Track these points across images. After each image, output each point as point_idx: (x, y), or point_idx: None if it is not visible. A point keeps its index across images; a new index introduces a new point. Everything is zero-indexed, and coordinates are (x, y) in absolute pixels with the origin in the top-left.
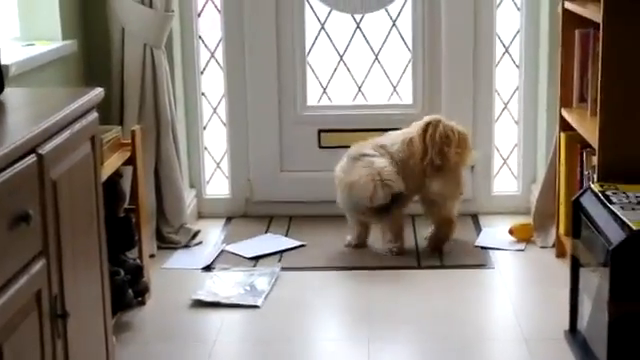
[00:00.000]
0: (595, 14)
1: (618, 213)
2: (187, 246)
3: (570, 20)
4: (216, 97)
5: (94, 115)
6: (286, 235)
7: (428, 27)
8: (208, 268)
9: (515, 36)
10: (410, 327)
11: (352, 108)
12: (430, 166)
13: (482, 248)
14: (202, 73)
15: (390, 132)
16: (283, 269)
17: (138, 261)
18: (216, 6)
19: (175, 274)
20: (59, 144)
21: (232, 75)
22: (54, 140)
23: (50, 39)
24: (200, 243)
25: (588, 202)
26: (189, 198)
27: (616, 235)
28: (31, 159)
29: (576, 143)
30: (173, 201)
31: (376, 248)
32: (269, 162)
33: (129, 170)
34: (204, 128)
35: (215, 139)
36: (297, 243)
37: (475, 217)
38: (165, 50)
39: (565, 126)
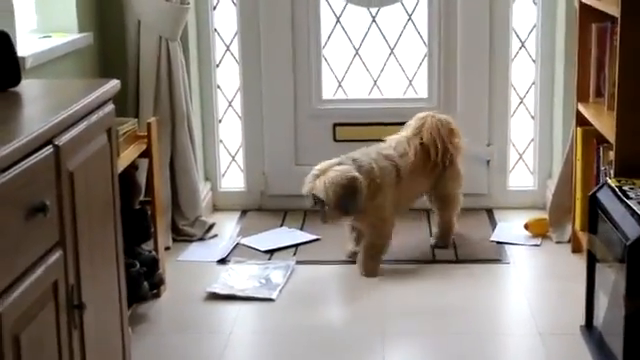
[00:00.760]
0: (612, 8)
1: (635, 208)
2: (202, 239)
3: (587, 14)
4: (231, 90)
5: (110, 107)
6: (301, 229)
7: (444, 21)
8: (223, 261)
9: (531, 30)
10: (425, 321)
11: (367, 102)
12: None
13: (497, 243)
14: (218, 66)
15: (387, 139)
16: (298, 262)
17: (154, 253)
18: None
19: (190, 267)
20: (76, 135)
21: (247, 68)
22: (71, 131)
23: (66, 31)
24: (215, 236)
25: (605, 197)
26: (204, 191)
27: (633, 230)
28: (48, 150)
29: (593, 138)
30: (188, 194)
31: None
32: (284, 155)
33: (145, 162)
34: (219, 121)
35: (230, 132)
36: (312, 237)
37: (490, 212)
38: (181, 43)
39: (581, 121)
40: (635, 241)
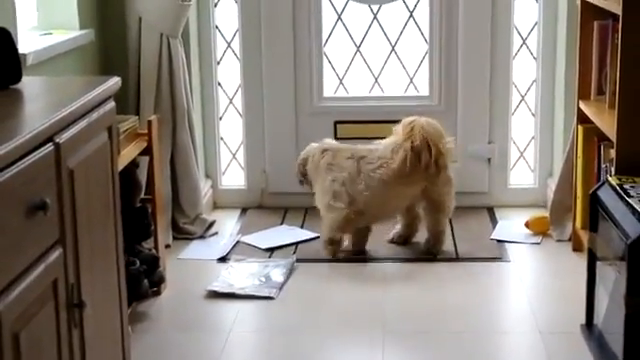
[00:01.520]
0: (614, 5)
1: (636, 206)
2: (203, 237)
3: (589, 12)
4: (232, 87)
5: (111, 104)
6: (301, 227)
7: (445, 18)
8: (223, 259)
9: (533, 28)
10: (425, 319)
11: (368, 99)
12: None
13: (498, 241)
14: (218, 63)
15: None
16: (298, 260)
17: (154, 251)
18: None
19: (190, 265)
20: (76, 133)
21: (248, 65)
22: (71, 129)
23: (67, 28)
24: (216, 234)
25: (605, 195)
26: (205, 188)
27: (634, 229)
28: (48, 148)
29: (594, 136)
30: (189, 191)
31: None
32: (285, 153)
33: (145, 160)
34: (220, 118)
35: (231, 129)
36: (312, 235)
37: (491, 210)
38: (182, 40)
39: (583, 119)
40: (636, 240)
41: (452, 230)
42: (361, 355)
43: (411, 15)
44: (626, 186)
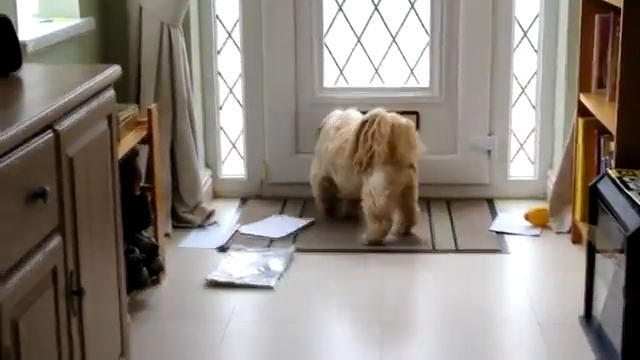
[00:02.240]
0: None
1: (635, 199)
2: (202, 226)
3: (590, 5)
4: (233, 77)
5: (111, 93)
6: (300, 216)
7: (446, 10)
8: (223, 248)
9: (534, 20)
10: (424, 311)
11: (369, 90)
12: (359, 164)
13: (497, 233)
14: (219, 53)
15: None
16: (297, 250)
17: (153, 240)
18: None
19: (190, 254)
20: (76, 121)
21: (249, 55)
22: (71, 117)
23: (68, 16)
24: (215, 223)
25: (605, 188)
26: (204, 178)
27: (633, 221)
28: (48, 135)
29: (594, 129)
30: (189, 181)
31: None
32: (285, 143)
33: (145, 149)
34: (220, 108)
35: (231, 119)
36: (307, 221)
37: (491, 202)
38: (182, 29)
39: (583, 111)
40: (635, 232)
41: (452, 222)
42: (360, 345)
43: (412, 6)
44: (626, 179)
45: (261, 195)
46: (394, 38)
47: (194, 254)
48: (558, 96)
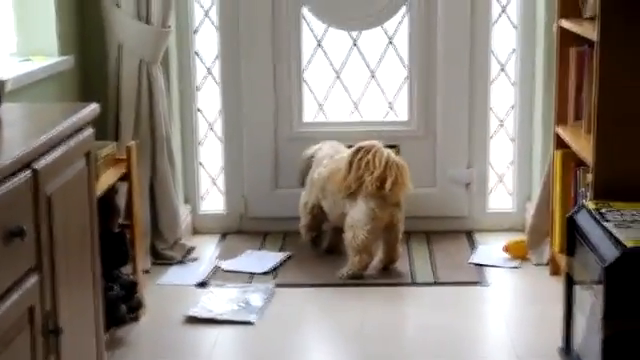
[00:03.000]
0: (590, 32)
1: (612, 231)
2: (182, 262)
3: (566, 38)
4: (212, 113)
5: (89, 131)
6: (280, 250)
7: (424, 44)
8: (203, 284)
9: (511, 54)
10: (404, 344)
11: (348, 125)
12: (346, 190)
13: (477, 265)
14: (198, 89)
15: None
16: (278, 285)
17: (132, 277)
18: (213, 22)
19: (170, 290)
20: (54, 159)
21: (228, 91)
22: (49, 155)
23: (47, 55)
24: (195, 259)
25: (582, 220)
26: (184, 214)
27: (610, 253)
28: (26, 174)
29: (571, 161)
30: (168, 217)
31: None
32: (264, 178)
33: (124, 186)
34: (200, 144)
35: (211, 155)
36: (287, 255)
37: (470, 234)
38: (161, 66)
39: (560, 144)
40: (612, 264)
41: (431, 254)
42: None
43: (390, 41)
44: (603, 210)
45: (241, 230)
46: (373, 73)
47: (174, 290)
48: (536, 129)
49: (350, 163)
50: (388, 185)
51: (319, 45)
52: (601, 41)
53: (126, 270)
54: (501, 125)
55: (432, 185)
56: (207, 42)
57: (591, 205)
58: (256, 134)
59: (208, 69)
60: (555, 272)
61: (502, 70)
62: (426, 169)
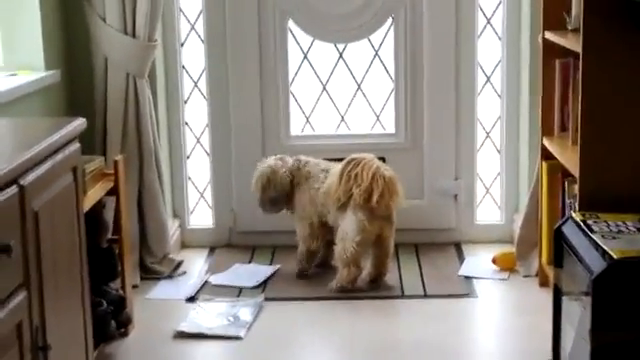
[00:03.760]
0: (574, 44)
1: (599, 242)
2: (170, 276)
3: (550, 50)
4: (200, 127)
5: (76, 145)
6: (270, 264)
7: (410, 57)
8: (192, 299)
9: (497, 66)
10: (394, 357)
11: (335, 137)
12: (336, 202)
13: (465, 277)
14: (185, 103)
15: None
16: (267, 299)
17: (121, 292)
18: (200, 36)
19: (158, 305)
20: (41, 175)
21: (215, 105)
22: (36, 171)
23: (33, 69)
24: (184, 273)
25: (569, 231)
26: (172, 228)
27: (597, 264)
28: (13, 190)
29: (557, 172)
30: (156, 231)
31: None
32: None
33: (112, 200)
34: (187, 158)
35: (199, 169)
36: (276, 268)
37: (458, 246)
38: (148, 80)
39: (547, 155)
40: (599, 275)
41: (420, 266)
42: None
43: (376, 54)
44: (589, 222)
45: (230, 244)
46: (359, 85)
47: (162, 305)
48: (522, 140)
49: (341, 175)
50: (374, 198)
51: (305, 58)
52: (585, 53)
53: (115, 285)
54: (488, 137)
55: (420, 197)
56: (194, 56)
57: (578, 216)
58: (243, 147)
59: (195, 82)
60: (544, 283)
61: (488, 82)
62: (413, 181)
